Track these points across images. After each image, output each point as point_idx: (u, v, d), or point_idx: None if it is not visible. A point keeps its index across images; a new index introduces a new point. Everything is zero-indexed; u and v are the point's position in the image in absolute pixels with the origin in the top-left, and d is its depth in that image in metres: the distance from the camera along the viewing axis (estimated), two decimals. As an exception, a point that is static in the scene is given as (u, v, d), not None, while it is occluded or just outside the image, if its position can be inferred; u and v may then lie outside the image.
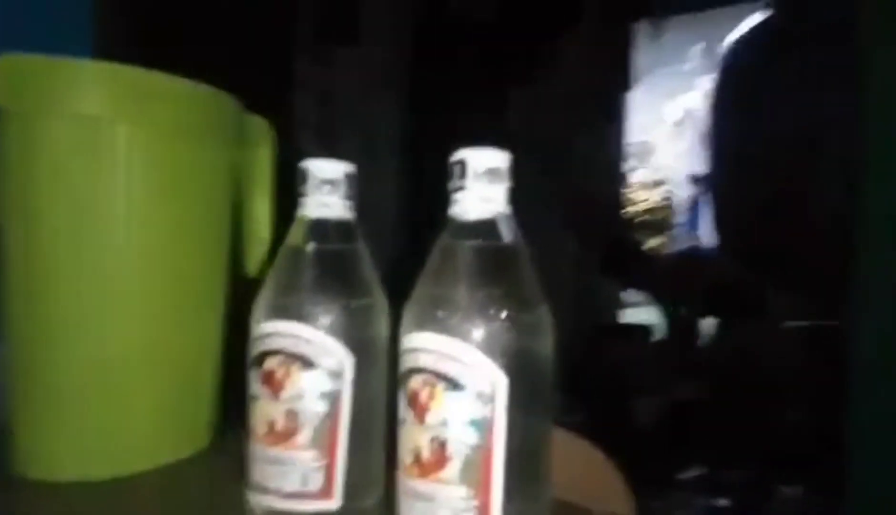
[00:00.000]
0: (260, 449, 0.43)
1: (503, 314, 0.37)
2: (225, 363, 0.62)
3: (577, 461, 1.04)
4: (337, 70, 2.62)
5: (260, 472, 0.43)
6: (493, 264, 0.40)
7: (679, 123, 5.41)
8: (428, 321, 0.38)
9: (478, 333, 0.37)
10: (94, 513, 0.47)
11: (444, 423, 0.37)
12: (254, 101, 0.66)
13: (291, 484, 0.42)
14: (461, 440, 0.36)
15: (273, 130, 0.69)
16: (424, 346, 0.38)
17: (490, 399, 0.36)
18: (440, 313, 0.38)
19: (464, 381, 0.37)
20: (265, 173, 0.68)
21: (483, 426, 0.36)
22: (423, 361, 0.38)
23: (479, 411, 0.36)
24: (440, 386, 0.37)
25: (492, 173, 0.39)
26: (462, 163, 0.39)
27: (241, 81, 0.62)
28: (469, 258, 0.40)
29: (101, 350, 0.52)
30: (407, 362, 0.39)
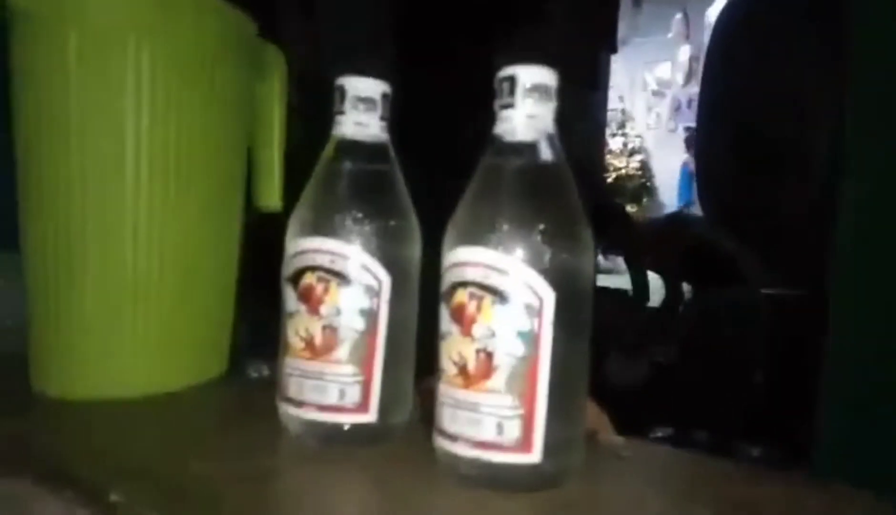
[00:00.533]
0: (297, 364, 0.43)
1: (549, 231, 0.38)
2: (239, 292, 0.62)
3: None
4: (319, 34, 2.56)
5: (296, 386, 0.43)
6: (539, 183, 0.40)
7: (657, 92, 5.43)
8: (474, 237, 0.38)
9: (524, 248, 0.37)
10: (111, 431, 0.47)
11: (491, 335, 0.37)
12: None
13: (329, 398, 0.42)
14: (508, 350, 0.37)
15: (285, 61, 0.68)
16: (471, 260, 0.38)
17: (537, 312, 0.37)
18: (486, 229, 0.38)
19: (511, 294, 0.37)
20: (277, 103, 0.66)
21: (530, 338, 0.37)
22: (471, 275, 0.38)
23: (527, 323, 0.37)
24: (487, 299, 0.37)
25: (541, 91, 0.39)
26: (512, 79, 0.39)
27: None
28: (514, 178, 0.40)
29: (119, 271, 0.51)
30: (452, 276, 0.39)
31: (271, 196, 0.66)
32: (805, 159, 1.91)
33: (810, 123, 1.82)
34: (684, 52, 4.97)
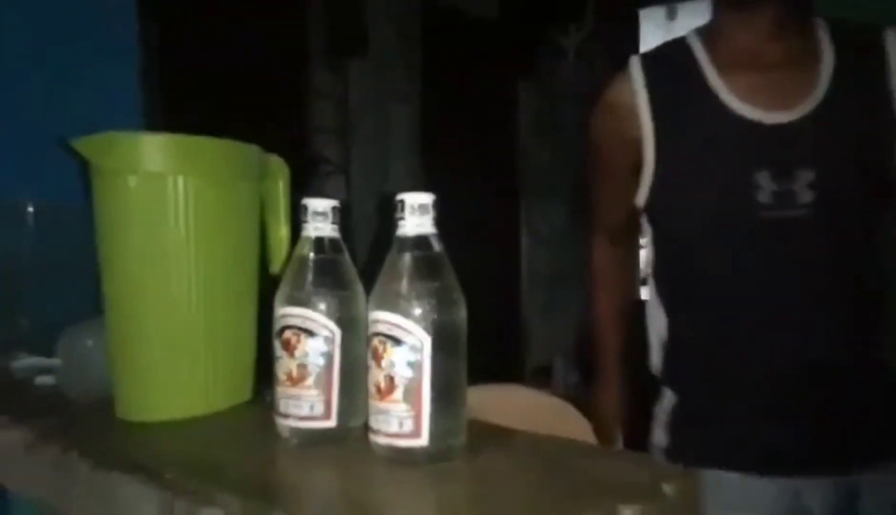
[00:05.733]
0: (283, 390, 0.66)
1: (428, 299, 0.60)
2: (259, 339, 0.86)
3: (547, 411, 1.26)
4: (351, 79, 2.85)
5: (283, 405, 0.66)
6: (425, 266, 0.62)
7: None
8: (383, 305, 0.61)
9: (413, 310, 0.59)
10: (175, 444, 0.70)
11: (392, 365, 0.59)
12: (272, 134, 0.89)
13: (303, 411, 0.65)
14: (402, 375, 0.59)
15: (287, 166, 0.92)
16: (381, 319, 0.60)
17: (420, 350, 0.59)
18: (390, 299, 0.60)
19: (403, 339, 0.59)
20: (283, 200, 0.90)
21: (416, 366, 0.59)
22: (381, 328, 0.60)
23: (414, 357, 0.59)
24: (389, 343, 0.59)
25: (422, 208, 0.61)
26: (402, 202, 0.62)
27: (260, 119, 0.85)
28: (409, 263, 0.62)
29: (174, 327, 0.76)
30: (371, 329, 0.61)
31: (280, 265, 0.90)
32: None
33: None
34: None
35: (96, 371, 0.80)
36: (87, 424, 0.77)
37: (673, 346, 1.10)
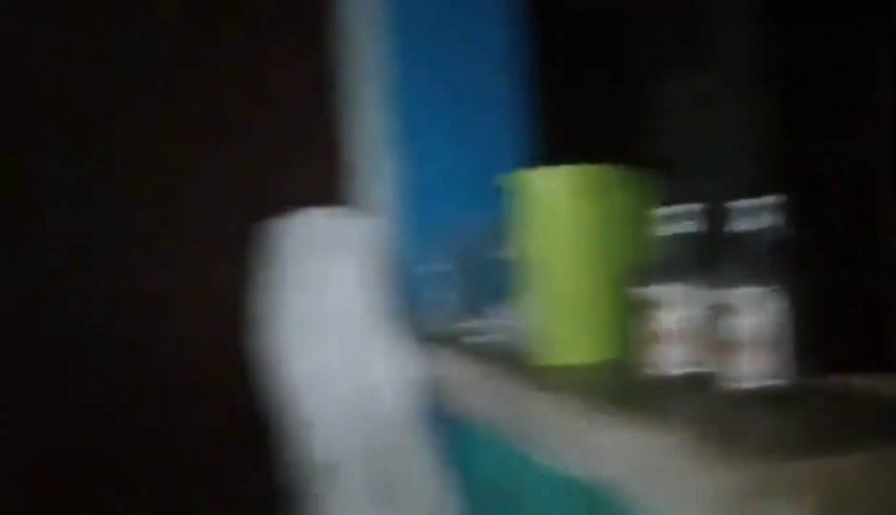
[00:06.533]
0: (647, 346, 0.92)
1: (763, 281, 0.80)
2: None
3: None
4: (700, 86, 2.95)
5: (648, 356, 0.92)
6: (757, 256, 0.82)
7: None
8: (726, 285, 0.83)
9: (754, 289, 0.80)
10: (572, 377, 1.02)
11: (739, 329, 0.81)
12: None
13: (665, 360, 0.91)
14: (748, 336, 0.80)
15: (645, 178, 1.18)
16: (726, 295, 0.83)
17: (762, 317, 0.80)
18: (733, 282, 0.82)
19: (748, 309, 0.80)
20: (643, 206, 1.15)
21: (759, 329, 0.80)
22: (727, 301, 0.83)
23: (758, 321, 0.80)
24: (737, 312, 0.81)
25: (749, 210, 0.82)
26: (728, 208, 0.83)
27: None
28: (743, 253, 0.83)
29: (569, 302, 1.08)
30: (715, 300, 0.84)
31: (646, 256, 1.16)
32: None
33: None
34: None
35: (518, 333, 1.17)
36: (516, 366, 1.13)
37: None
